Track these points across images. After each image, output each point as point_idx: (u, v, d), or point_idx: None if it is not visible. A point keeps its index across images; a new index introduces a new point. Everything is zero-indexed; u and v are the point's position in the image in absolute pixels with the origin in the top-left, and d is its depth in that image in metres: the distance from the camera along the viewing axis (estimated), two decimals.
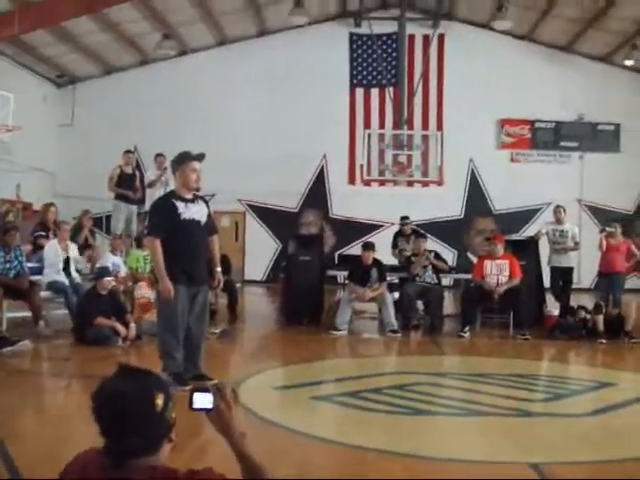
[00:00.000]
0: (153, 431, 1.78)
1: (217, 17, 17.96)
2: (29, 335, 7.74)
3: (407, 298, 9.92)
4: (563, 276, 10.71)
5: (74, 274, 9.29)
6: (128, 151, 12.56)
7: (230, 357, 8.08)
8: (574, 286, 11.19)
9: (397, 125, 18.42)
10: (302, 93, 18.93)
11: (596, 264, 10.61)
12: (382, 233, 17.00)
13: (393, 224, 14.06)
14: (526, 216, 18.53)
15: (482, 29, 19.09)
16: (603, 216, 17.82)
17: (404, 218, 11.56)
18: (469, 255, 18.24)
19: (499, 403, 5.38)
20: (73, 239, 10.09)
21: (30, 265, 9.02)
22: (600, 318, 8.98)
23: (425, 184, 17.75)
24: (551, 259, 10.78)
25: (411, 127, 18.49)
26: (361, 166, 17.36)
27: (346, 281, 10.18)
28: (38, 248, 9.78)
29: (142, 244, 9.73)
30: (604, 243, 10.15)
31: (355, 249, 15.01)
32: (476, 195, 19.41)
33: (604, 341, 8.72)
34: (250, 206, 19.66)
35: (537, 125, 19.46)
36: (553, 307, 10.36)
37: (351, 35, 19.71)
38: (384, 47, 19.50)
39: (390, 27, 19.04)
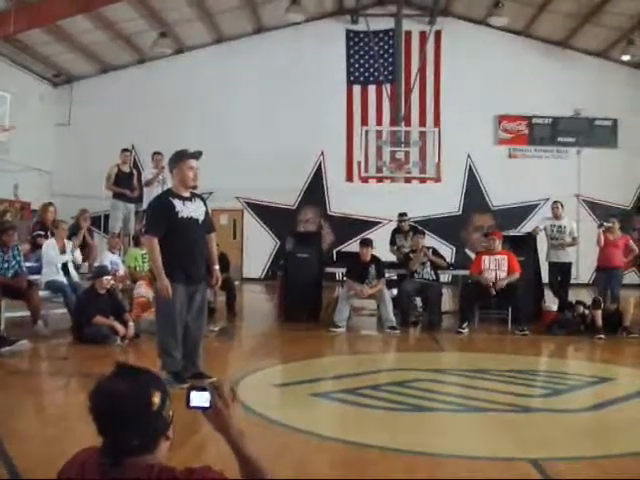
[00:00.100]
0: (150, 429, 1.78)
1: (213, 15, 17.96)
2: (28, 335, 7.74)
3: (405, 295, 9.93)
4: (561, 271, 10.73)
5: (72, 273, 9.28)
6: (125, 149, 12.53)
7: (229, 355, 8.07)
8: (572, 281, 11.22)
9: (394, 122, 18.43)
10: (299, 90, 18.93)
11: (594, 259, 10.64)
12: (380, 230, 16.99)
13: (391, 221, 14.08)
14: (524, 212, 18.55)
15: (479, 25, 19.12)
16: (601, 211, 17.86)
17: (402, 215, 11.55)
18: (467, 251, 18.25)
19: (498, 399, 5.38)
20: (71, 238, 10.08)
21: (28, 264, 9.03)
22: (598, 313, 8.97)
23: (423, 180, 17.72)
24: (549, 254, 10.80)
25: (408, 124, 18.52)
26: (359, 163, 17.33)
27: (344, 278, 10.18)
28: (37, 247, 9.78)
29: (140, 243, 9.73)
30: (602, 238, 10.17)
31: (353, 246, 15.02)
32: (474, 191, 19.42)
33: (602, 336, 8.73)
34: (248, 204, 19.65)
35: (534, 121, 19.48)
36: (551, 302, 10.39)
37: (348, 32, 19.70)
38: (381, 44, 19.50)
39: (387, 24, 19.04)
